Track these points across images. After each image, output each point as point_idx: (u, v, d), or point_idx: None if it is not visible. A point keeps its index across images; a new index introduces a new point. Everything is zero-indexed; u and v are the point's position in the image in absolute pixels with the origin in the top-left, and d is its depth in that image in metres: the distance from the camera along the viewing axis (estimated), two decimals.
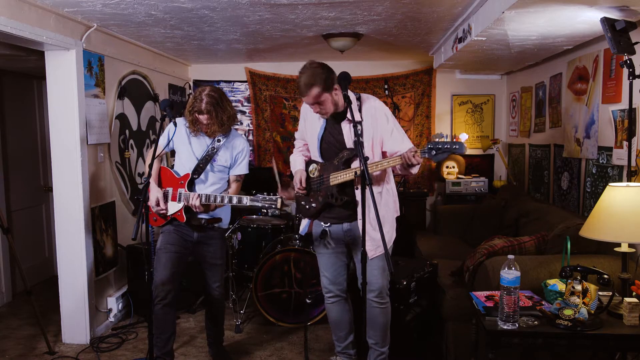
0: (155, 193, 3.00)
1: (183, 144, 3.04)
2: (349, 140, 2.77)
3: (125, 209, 4.32)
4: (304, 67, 2.68)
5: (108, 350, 3.59)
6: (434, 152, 2.33)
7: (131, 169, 4.42)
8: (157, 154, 2.90)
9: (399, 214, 2.95)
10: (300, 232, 3.12)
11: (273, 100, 5.82)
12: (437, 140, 2.31)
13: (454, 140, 2.31)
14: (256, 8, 3.31)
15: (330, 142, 2.84)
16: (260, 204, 2.80)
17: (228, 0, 3.13)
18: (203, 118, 2.87)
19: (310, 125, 2.93)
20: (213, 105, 2.85)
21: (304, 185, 2.88)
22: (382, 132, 2.76)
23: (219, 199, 2.90)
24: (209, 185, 3.06)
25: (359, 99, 2.79)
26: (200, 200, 2.90)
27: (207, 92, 2.88)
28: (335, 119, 2.80)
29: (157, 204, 2.98)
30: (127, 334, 3.85)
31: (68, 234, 3.64)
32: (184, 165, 3.05)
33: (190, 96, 2.92)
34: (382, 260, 2.81)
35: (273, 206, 2.78)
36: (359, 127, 2.65)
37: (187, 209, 2.98)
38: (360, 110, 2.76)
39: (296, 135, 3.14)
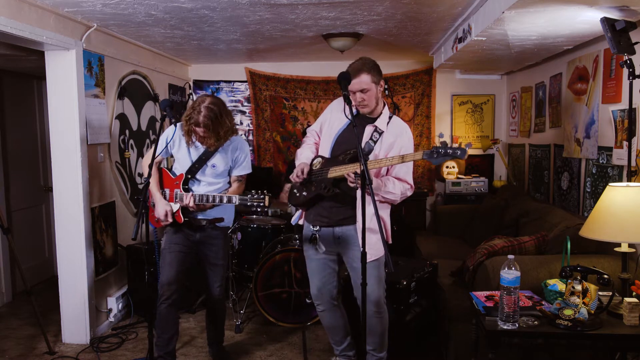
0: (164, 206, 2.98)
1: (180, 144, 3.04)
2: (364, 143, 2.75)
3: (125, 209, 4.32)
4: (356, 60, 2.76)
5: (108, 350, 3.59)
6: (434, 155, 2.33)
7: (131, 169, 4.42)
8: (155, 159, 2.86)
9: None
10: (292, 221, 3.08)
11: (273, 100, 5.82)
12: (442, 142, 2.34)
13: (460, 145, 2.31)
14: (256, 8, 3.31)
15: (346, 140, 2.78)
16: (248, 203, 2.80)
17: (228, 0, 3.13)
18: (200, 130, 2.84)
19: (332, 123, 2.88)
20: (211, 119, 2.79)
21: (305, 175, 2.79)
22: (398, 151, 2.74)
23: (210, 199, 2.91)
24: (204, 186, 3.05)
25: (391, 117, 2.83)
26: (195, 200, 2.91)
27: (207, 105, 2.81)
28: (361, 121, 2.77)
29: (166, 216, 2.98)
30: (127, 334, 3.85)
31: (68, 234, 3.64)
32: (180, 165, 3.06)
33: (189, 104, 2.87)
34: (378, 269, 2.77)
35: (261, 204, 2.78)
36: (377, 135, 2.73)
37: (185, 209, 2.98)
38: (387, 124, 2.78)
39: (310, 129, 3.06)
